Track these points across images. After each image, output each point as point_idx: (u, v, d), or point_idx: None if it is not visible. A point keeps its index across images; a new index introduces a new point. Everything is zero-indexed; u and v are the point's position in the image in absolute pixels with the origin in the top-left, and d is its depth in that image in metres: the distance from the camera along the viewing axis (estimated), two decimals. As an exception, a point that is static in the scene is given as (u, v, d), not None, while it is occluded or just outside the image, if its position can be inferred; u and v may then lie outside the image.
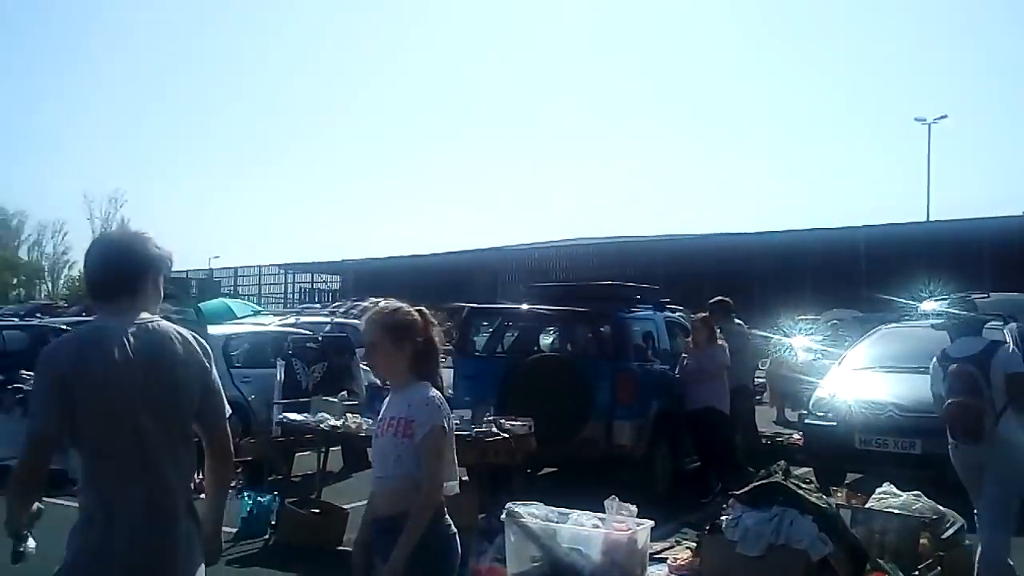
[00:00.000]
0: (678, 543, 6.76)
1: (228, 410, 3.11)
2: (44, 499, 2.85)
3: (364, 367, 11.75)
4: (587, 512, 5.79)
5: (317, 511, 7.14)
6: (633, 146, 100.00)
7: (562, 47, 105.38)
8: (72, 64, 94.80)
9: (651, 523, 5.72)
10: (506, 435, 6.61)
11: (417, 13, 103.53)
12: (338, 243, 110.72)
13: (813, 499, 5.51)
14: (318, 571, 6.12)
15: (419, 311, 3.48)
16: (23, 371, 10.40)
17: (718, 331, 8.74)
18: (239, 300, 28.55)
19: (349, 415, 7.15)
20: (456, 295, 32.71)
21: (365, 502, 8.33)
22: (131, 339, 2.80)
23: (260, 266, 59.60)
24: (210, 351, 3.10)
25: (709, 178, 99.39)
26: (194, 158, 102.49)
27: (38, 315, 25.91)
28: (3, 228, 66.22)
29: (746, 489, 5.72)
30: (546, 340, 10.88)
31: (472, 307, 9.13)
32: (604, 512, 5.79)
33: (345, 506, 8.01)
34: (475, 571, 5.93)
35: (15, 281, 67.37)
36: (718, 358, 8.56)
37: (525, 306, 9.18)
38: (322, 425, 7.09)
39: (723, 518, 5.79)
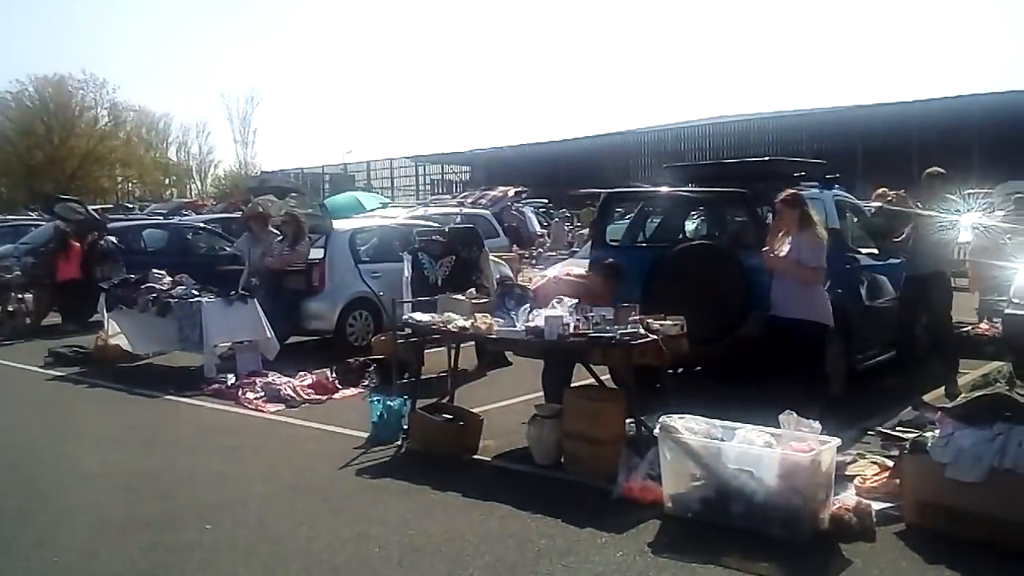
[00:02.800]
0: (860, 455, 5.86)
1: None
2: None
3: (494, 260, 11.14)
4: (756, 427, 4.95)
5: (450, 417, 6.61)
6: (766, 13, 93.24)
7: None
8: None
9: (837, 441, 4.83)
10: (655, 336, 5.78)
11: None
12: (467, 133, 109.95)
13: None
14: (451, 482, 5.61)
15: None
16: (155, 270, 10.33)
17: (812, 214, 6.52)
18: (369, 193, 28.47)
19: (478, 314, 6.48)
20: (587, 182, 31.57)
21: (501, 404, 8.00)
22: None
23: (391, 159, 59.84)
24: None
25: (851, 46, 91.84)
26: (325, 55, 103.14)
27: (183, 212, 26.71)
28: (151, 130, 68.86)
29: (960, 402, 4.71)
30: (692, 227, 9.82)
31: (609, 192, 8.15)
32: (777, 427, 4.95)
33: (480, 409, 7.49)
34: (625, 488, 5.24)
35: (167, 181, 70.55)
36: (813, 253, 6.42)
37: (668, 189, 8.14)
38: (449, 326, 6.46)
39: (928, 435, 4.82)
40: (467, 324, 6.44)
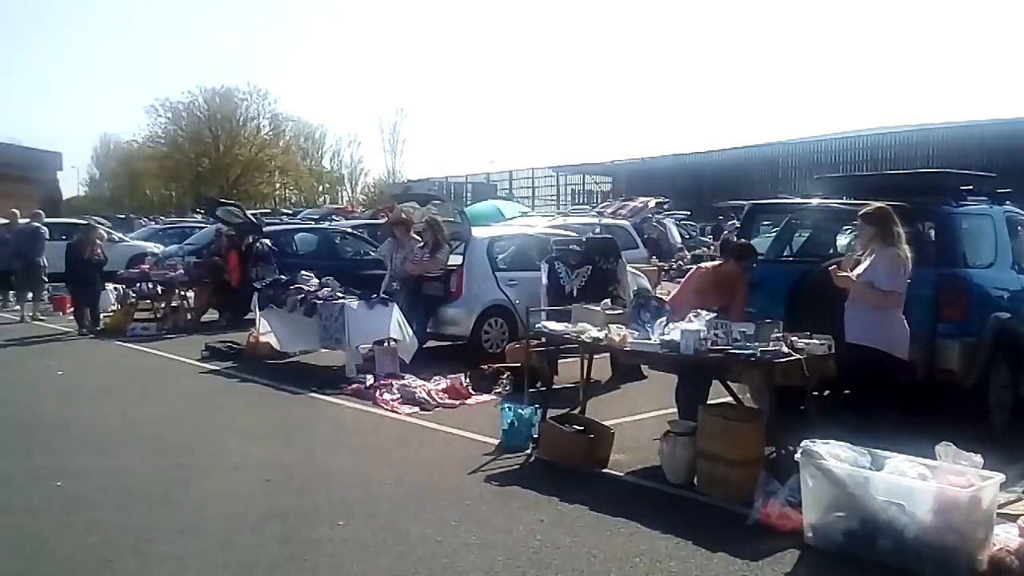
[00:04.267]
0: (1026, 495, 5.35)
1: None
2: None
3: (632, 271, 10.96)
4: (910, 457, 4.59)
5: (581, 428, 6.50)
6: (932, 17, 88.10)
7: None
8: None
9: (1001, 477, 4.42)
10: (799, 355, 5.48)
11: None
12: (610, 144, 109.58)
13: None
14: (580, 495, 5.51)
15: None
16: (304, 272, 10.75)
17: (898, 232, 5.81)
18: (509, 202, 28.76)
19: (612, 326, 6.35)
20: (732, 194, 30.71)
21: (633, 419, 7.84)
22: None
23: (533, 168, 60.37)
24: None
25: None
26: (471, 67, 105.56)
27: (333, 218, 27.84)
28: (308, 140, 72.47)
29: None
30: (844, 242, 9.29)
31: (755, 203, 7.81)
32: (933, 458, 4.57)
33: (611, 422, 7.35)
34: (763, 514, 4.98)
35: (320, 188, 74.00)
36: (887, 275, 5.70)
37: (819, 201, 7.73)
38: (582, 336, 6.37)
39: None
40: (601, 335, 6.33)
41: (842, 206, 7.91)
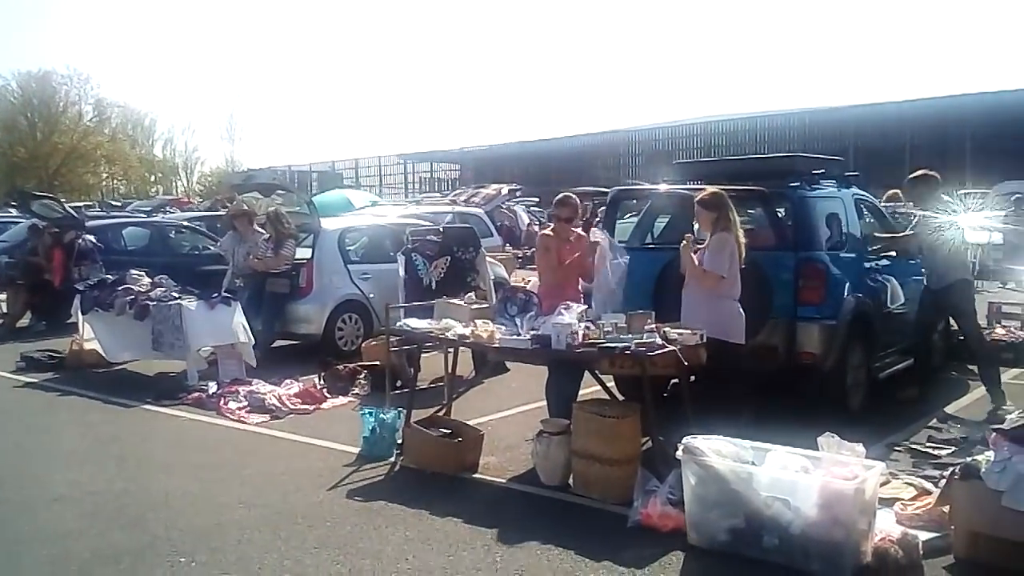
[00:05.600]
0: (893, 475, 5.41)
1: None
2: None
3: (490, 261, 10.65)
4: (792, 449, 4.49)
5: (448, 431, 6.12)
6: (758, 12, 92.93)
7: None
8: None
9: (882, 466, 4.39)
10: (673, 346, 5.31)
11: None
12: (457, 132, 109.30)
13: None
14: (451, 505, 5.14)
15: None
16: (133, 270, 9.80)
17: (732, 218, 5.92)
18: (358, 191, 27.89)
19: (478, 321, 6.00)
20: (577, 181, 31.04)
21: (501, 415, 7.53)
22: None
23: (380, 156, 59.21)
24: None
25: (842, 45, 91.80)
26: (314, 52, 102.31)
27: (168, 209, 26.11)
28: (137, 127, 67.98)
29: (1019, 424, 4.26)
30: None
31: (619, 188, 7.63)
32: (808, 447, 4.49)
33: (478, 420, 7.02)
34: (643, 514, 4.77)
35: (153, 179, 69.67)
36: (712, 257, 5.87)
37: (682, 186, 7.65)
38: (448, 333, 5.97)
39: (980, 458, 4.37)
40: (467, 332, 5.96)
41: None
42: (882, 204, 9.51)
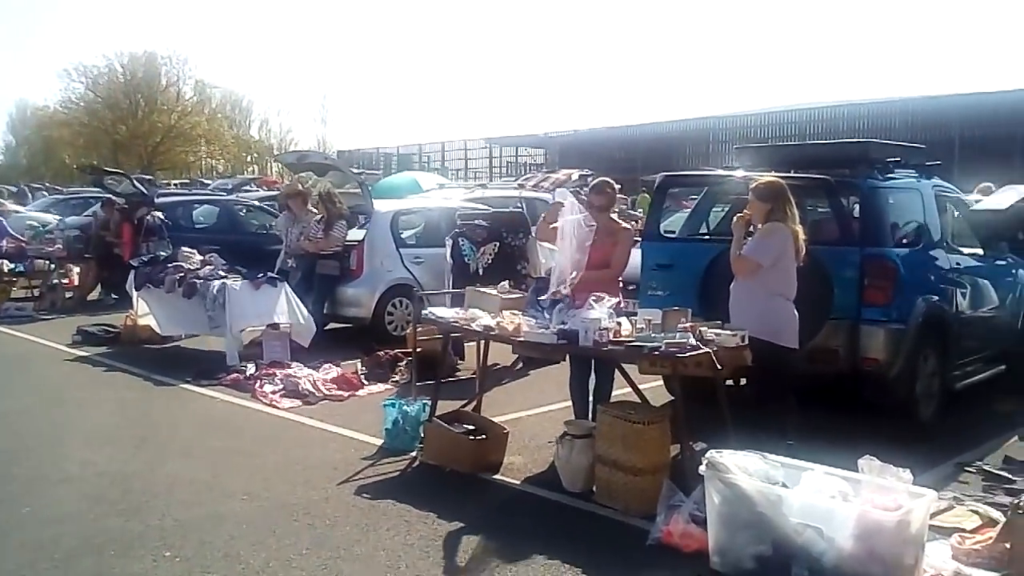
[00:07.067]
0: (957, 500, 4.83)
1: None
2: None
3: (548, 247, 10.22)
4: (830, 470, 3.97)
5: (471, 428, 5.77)
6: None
7: None
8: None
9: (933, 494, 3.83)
10: (709, 349, 4.81)
11: None
12: (544, 116, 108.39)
13: None
14: (462, 508, 4.81)
15: None
16: (185, 248, 9.77)
17: (790, 211, 5.30)
18: (428, 173, 27.72)
19: (506, 312, 5.62)
20: (665, 168, 30.22)
21: (539, 411, 7.14)
22: None
23: (466, 140, 59.16)
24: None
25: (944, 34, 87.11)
26: (405, 35, 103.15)
27: (249, 188, 26.47)
28: (235, 108, 69.84)
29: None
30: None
31: (667, 174, 7.07)
32: (856, 470, 3.96)
33: (512, 416, 6.67)
34: (664, 532, 4.33)
35: (249, 159, 71.53)
36: (757, 245, 5.30)
37: (737, 173, 7.07)
38: (473, 324, 5.62)
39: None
40: (492, 323, 5.58)
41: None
42: (973, 197, 8.66)
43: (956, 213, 7.53)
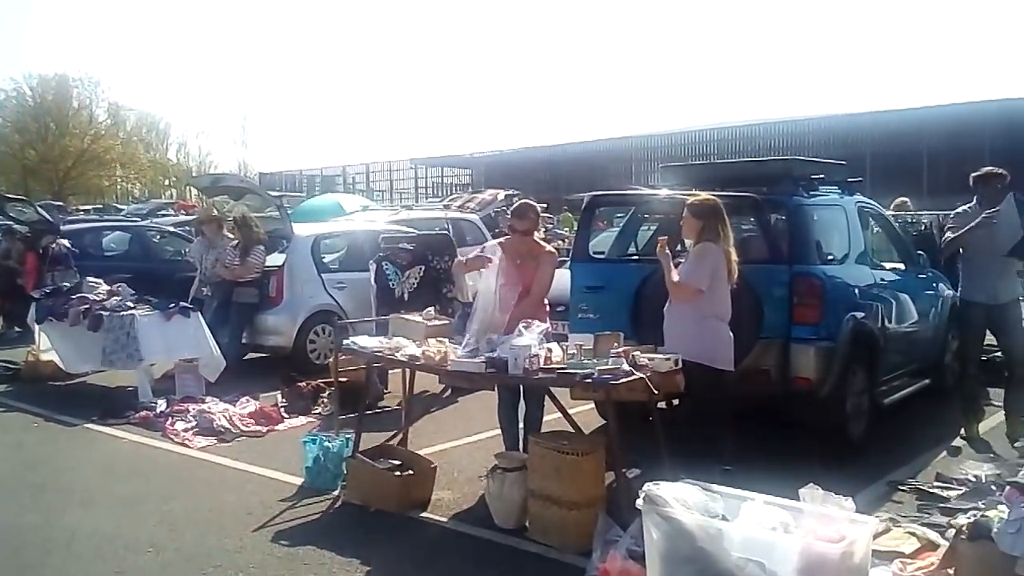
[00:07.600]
0: (894, 522, 4.76)
1: None
2: None
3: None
4: (770, 499, 3.82)
5: (398, 462, 5.50)
6: (774, 18, 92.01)
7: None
8: None
9: (875, 521, 3.72)
10: (643, 374, 4.65)
11: None
12: (469, 137, 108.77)
13: None
14: (387, 552, 4.54)
15: None
16: (91, 279, 9.25)
17: (723, 231, 5.20)
18: (351, 195, 27.27)
19: (432, 340, 5.38)
20: (587, 187, 30.44)
21: (470, 440, 6.87)
22: None
23: (391, 161, 58.78)
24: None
25: (858, 51, 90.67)
26: (326, 57, 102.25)
27: (164, 213, 25.63)
28: (151, 131, 67.99)
29: (1039, 476, 3.60)
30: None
31: (594, 194, 6.95)
32: (794, 494, 3.82)
33: (440, 448, 6.41)
34: (601, 570, 4.13)
35: (166, 182, 69.60)
36: (689, 267, 5.19)
37: (664, 192, 6.99)
38: (397, 354, 5.36)
39: (991, 515, 3.70)
40: (418, 352, 5.33)
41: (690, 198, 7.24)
42: (889, 213, 8.80)
43: (876, 228, 7.61)
